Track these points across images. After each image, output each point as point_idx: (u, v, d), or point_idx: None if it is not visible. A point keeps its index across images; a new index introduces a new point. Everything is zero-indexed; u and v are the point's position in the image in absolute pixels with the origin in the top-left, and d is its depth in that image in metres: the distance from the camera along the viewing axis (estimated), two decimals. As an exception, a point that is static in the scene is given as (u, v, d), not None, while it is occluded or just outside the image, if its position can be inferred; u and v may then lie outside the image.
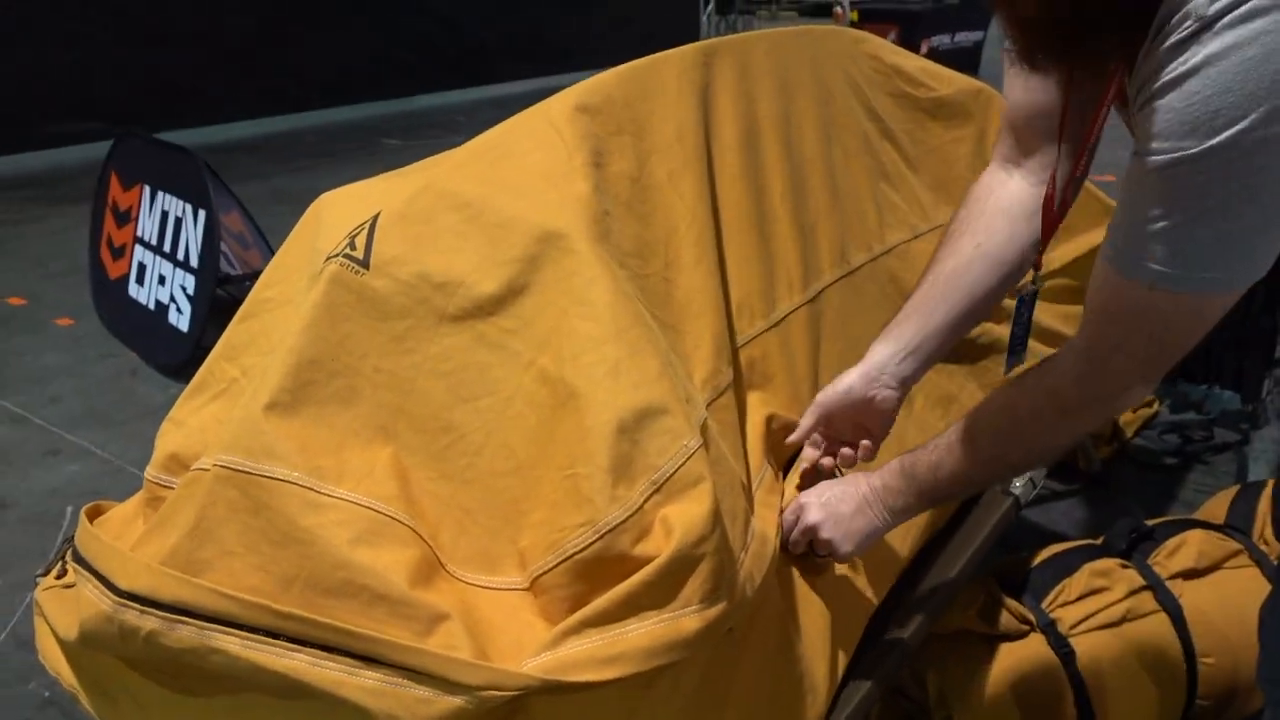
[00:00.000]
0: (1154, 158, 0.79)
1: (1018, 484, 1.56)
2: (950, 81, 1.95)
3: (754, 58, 1.49)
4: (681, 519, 0.85)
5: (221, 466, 0.91)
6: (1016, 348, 1.25)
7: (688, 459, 0.89)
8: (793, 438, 1.22)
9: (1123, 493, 2.45)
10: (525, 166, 1.11)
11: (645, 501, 0.87)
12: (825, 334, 1.38)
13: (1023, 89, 1.14)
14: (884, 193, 1.66)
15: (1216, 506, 1.86)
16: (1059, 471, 2.45)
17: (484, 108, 8.78)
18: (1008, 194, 1.20)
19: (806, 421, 1.21)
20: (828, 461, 1.21)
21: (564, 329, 0.95)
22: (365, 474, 0.91)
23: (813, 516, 1.11)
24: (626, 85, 1.28)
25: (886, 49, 1.88)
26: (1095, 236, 2.09)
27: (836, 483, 1.15)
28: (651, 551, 0.86)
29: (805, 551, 1.13)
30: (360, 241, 1.02)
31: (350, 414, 0.95)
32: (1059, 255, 2.01)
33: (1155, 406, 2.82)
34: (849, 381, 1.20)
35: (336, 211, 1.13)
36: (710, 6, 12.34)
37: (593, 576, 0.86)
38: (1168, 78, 0.77)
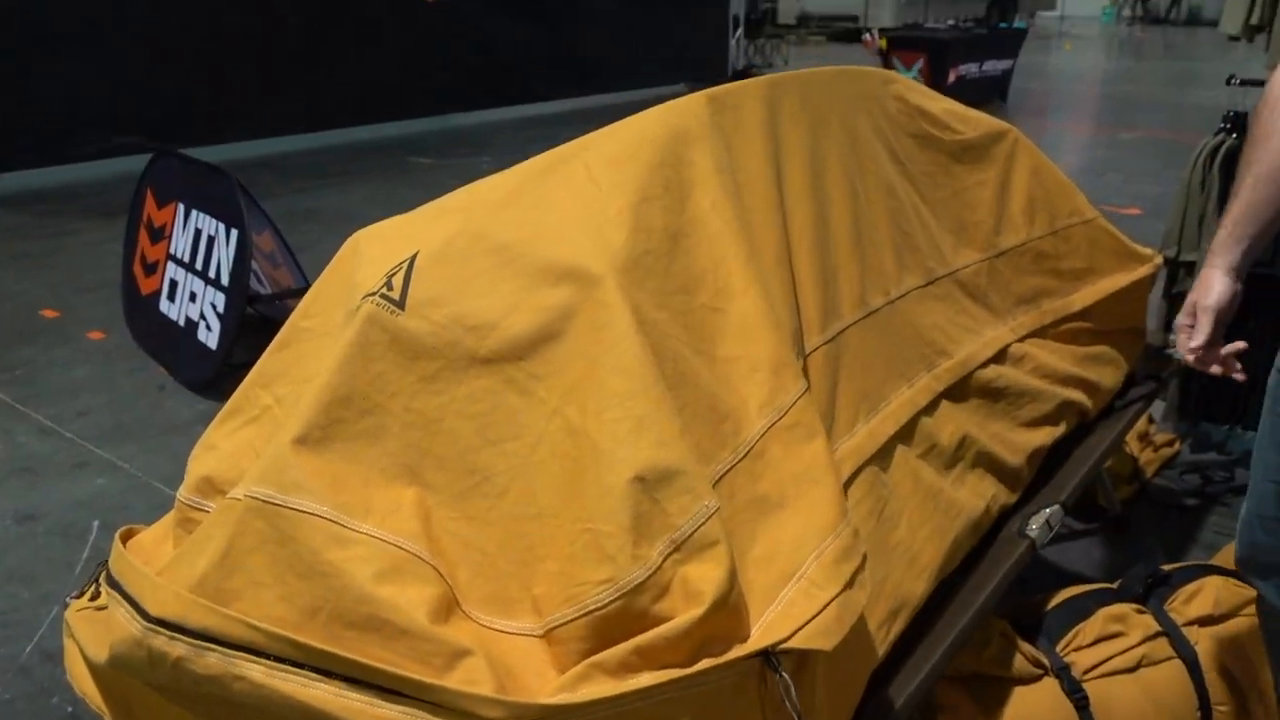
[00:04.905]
0: None
1: (1034, 526, 1.57)
2: (976, 124, 1.97)
3: (785, 99, 1.52)
4: (705, 581, 0.88)
5: (252, 498, 0.94)
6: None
7: (706, 519, 0.91)
8: (1196, 343, 1.46)
9: (1142, 533, 2.44)
10: (562, 215, 1.14)
11: (664, 561, 0.89)
12: (843, 375, 1.40)
13: None
14: (904, 236, 1.68)
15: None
16: (1078, 510, 2.45)
17: (516, 126, 8.88)
18: None
19: (1212, 331, 1.45)
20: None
21: (592, 381, 0.97)
22: (390, 511, 0.94)
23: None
24: (662, 125, 1.31)
25: (914, 91, 1.90)
26: (1116, 281, 2.10)
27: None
28: (667, 610, 0.88)
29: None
30: (397, 282, 1.05)
31: (378, 451, 0.97)
32: (1080, 299, 2.02)
33: (1176, 446, 2.81)
34: (1219, 281, 1.43)
35: (375, 247, 1.17)
36: (740, 30, 12.40)
37: (610, 632, 0.88)
38: None
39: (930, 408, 1.55)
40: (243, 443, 1.16)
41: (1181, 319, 1.50)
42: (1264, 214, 1.37)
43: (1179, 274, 2.80)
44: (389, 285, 1.05)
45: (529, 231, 1.10)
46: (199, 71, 6.86)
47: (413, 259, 1.07)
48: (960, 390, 1.64)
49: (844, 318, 1.46)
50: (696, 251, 1.19)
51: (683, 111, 1.34)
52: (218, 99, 6.98)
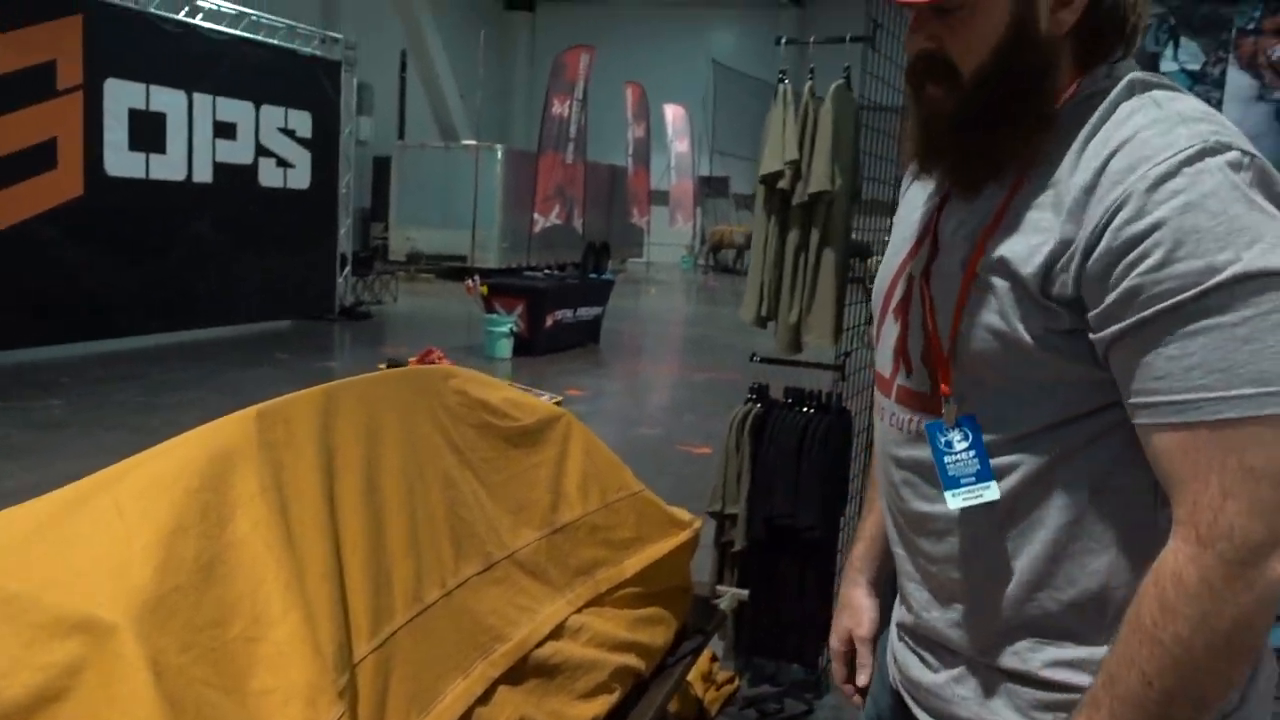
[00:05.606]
0: (1225, 273, 0.86)
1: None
2: (533, 411, 2.18)
3: (341, 407, 1.61)
4: None
5: None
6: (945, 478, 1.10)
7: None
8: (863, 681, 1.35)
9: (707, 775, 2.63)
10: (84, 555, 1.11)
11: None
12: (394, 678, 1.44)
13: None
14: (463, 524, 1.80)
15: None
16: (649, 760, 2.59)
17: (97, 363, 8.22)
18: None
19: (871, 659, 1.35)
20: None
21: None
22: None
23: None
24: (204, 446, 1.33)
25: (474, 383, 2.08)
26: (662, 547, 2.35)
27: None
28: None
29: None
30: None
31: None
32: (631, 565, 2.24)
33: (736, 682, 3.10)
34: (866, 603, 1.38)
35: None
36: (348, 268, 12.61)
37: None
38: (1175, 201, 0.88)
39: (486, 696, 1.62)
40: None
41: (837, 646, 1.41)
42: (879, 543, 1.40)
43: (725, 525, 3.18)
44: None
45: (42, 578, 1.07)
46: None
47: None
48: (517, 673, 1.74)
49: (396, 619, 1.52)
50: (233, 579, 1.20)
51: (228, 430, 1.38)
52: None
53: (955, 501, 1.06)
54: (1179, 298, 0.87)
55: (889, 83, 2.97)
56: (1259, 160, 0.92)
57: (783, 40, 3.06)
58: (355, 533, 1.49)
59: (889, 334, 1.17)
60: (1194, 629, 0.87)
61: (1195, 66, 2.78)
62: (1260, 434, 0.86)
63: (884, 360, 1.18)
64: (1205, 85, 2.77)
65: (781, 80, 3.04)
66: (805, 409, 3.13)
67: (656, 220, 22.63)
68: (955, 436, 1.05)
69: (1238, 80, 2.77)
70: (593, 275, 13.13)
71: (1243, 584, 0.86)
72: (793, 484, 3.03)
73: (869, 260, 3.96)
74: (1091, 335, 0.95)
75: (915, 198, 1.20)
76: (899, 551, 1.21)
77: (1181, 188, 0.89)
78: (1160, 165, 0.90)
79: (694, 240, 25.33)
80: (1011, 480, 1.03)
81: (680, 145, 23.27)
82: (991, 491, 1.04)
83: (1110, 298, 0.92)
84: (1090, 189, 0.94)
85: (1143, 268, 0.89)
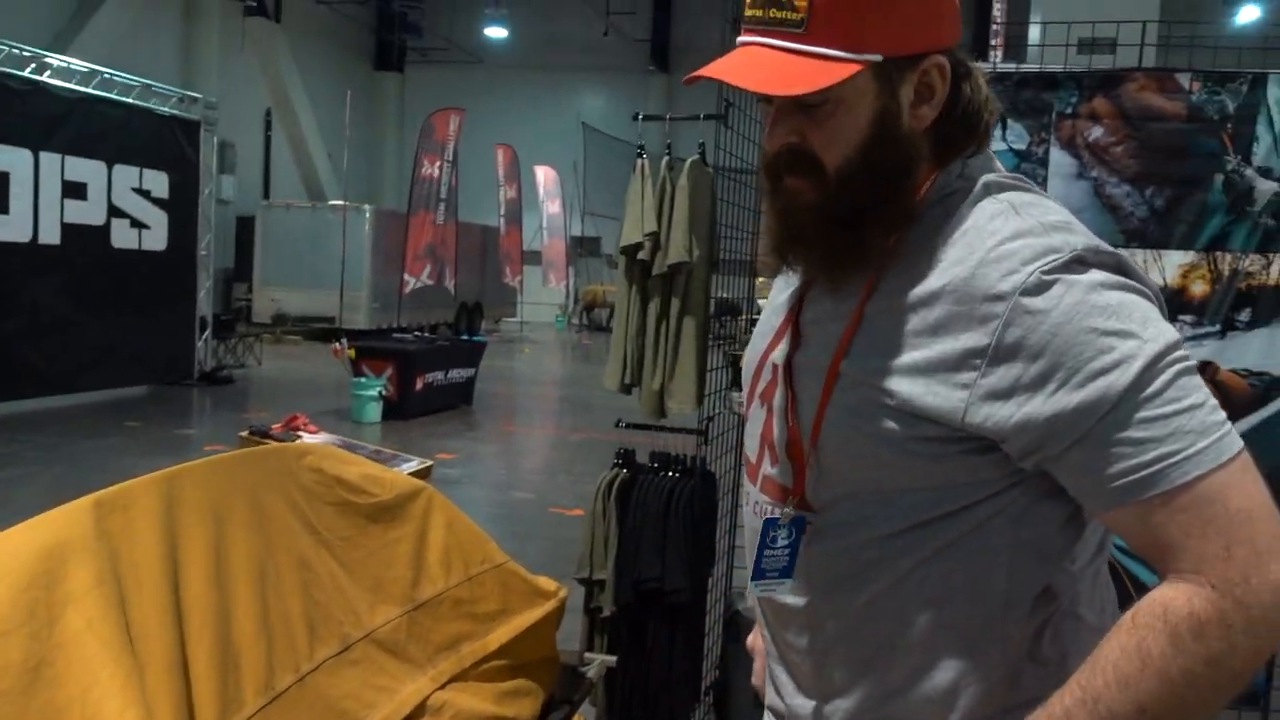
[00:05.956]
0: (1138, 360, 0.91)
1: None
2: (392, 486, 2.16)
3: (186, 491, 1.57)
4: None
5: None
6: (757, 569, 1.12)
7: None
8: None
9: None
10: None
11: None
12: None
13: None
14: (318, 606, 1.76)
15: None
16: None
17: (-78, 439, 7.67)
18: None
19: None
20: None
21: None
22: None
23: None
24: (32, 542, 1.28)
25: (330, 460, 2.05)
26: (527, 618, 2.34)
27: None
28: None
29: None
30: None
31: None
32: (496, 638, 2.22)
33: (607, 750, 3.08)
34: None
35: None
36: (208, 331, 12.18)
37: None
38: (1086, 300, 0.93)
39: (342, 784, 1.58)
40: None
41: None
42: None
43: (594, 591, 3.18)
44: None
45: None
46: None
47: None
48: (375, 757, 1.70)
49: (246, 708, 1.47)
50: (64, 680, 1.16)
51: (60, 522, 1.33)
52: None
53: (757, 591, 1.10)
54: (1108, 396, 0.91)
55: (741, 157, 3.10)
56: (1115, 254, 0.98)
57: (640, 116, 3.17)
58: (201, 622, 1.45)
59: (756, 418, 1.17)
60: (1206, 665, 0.88)
61: (1021, 146, 3.00)
62: (1228, 477, 0.90)
63: (751, 445, 1.17)
64: (1031, 163, 2.99)
65: (640, 154, 3.13)
66: (671, 473, 3.19)
67: (530, 280, 22.65)
68: (782, 534, 1.07)
69: (1059, 159, 2.99)
70: (464, 337, 13.05)
71: (1265, 626, 0.88)
72: (660, 547, 3.06)
73: (740, 318, 4.07)
74: (1029, 462, 0.97)
75: (782, 282, 1.21)
76: (766, 635, 1.20)
77: (1061, 294, 0.93)
78: (1035, 277, 0.94)
79: (567, 300, 25.44)
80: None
81: (552, 206, 23.45)
82: (785, 589, 1.09)
83: (1036, 416, 0.93)
84: (962, 300, 0.96)
85: (1058, 379, 0.92)
